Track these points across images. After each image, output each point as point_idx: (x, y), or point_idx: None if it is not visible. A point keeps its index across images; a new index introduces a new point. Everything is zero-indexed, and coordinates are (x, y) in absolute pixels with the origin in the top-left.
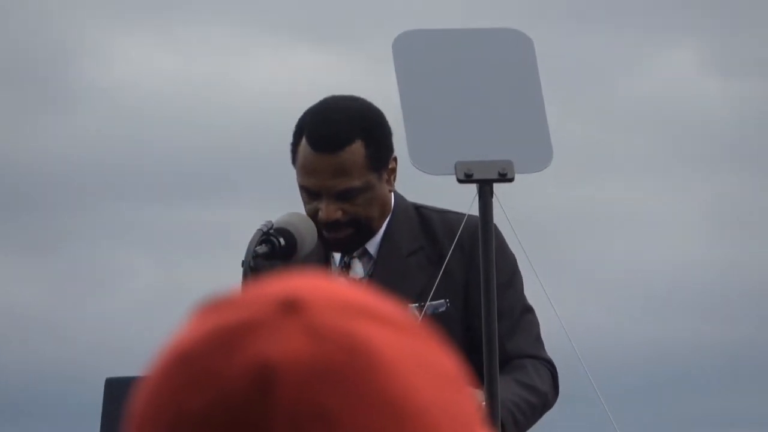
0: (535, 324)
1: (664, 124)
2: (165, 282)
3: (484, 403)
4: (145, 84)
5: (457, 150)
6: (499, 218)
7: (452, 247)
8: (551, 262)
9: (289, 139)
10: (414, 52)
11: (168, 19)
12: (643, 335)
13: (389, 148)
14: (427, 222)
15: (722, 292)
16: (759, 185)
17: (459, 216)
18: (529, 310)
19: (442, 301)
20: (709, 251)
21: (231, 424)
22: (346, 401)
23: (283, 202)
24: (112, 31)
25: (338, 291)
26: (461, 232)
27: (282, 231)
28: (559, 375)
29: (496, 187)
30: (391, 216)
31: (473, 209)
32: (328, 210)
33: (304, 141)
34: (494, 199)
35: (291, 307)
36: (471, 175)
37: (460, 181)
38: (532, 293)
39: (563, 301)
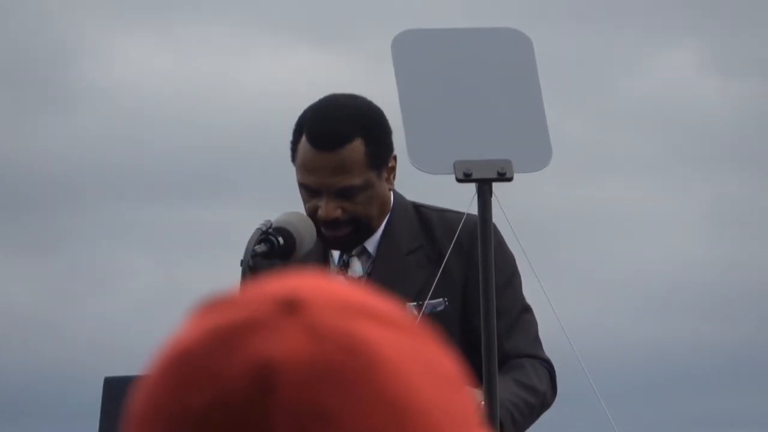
0: (534, 324)
1: (664, 124)
2: (165, 282)
3: (482, 402)
4: (145, 84)
5: (455, 149)
6: (498, 218)
7: (451, 246)
8: (550, 261)
9: (289, 138)
10: (413, 51)
11: (168, 19)
12: (643, 335)
13: (389, 147)
14: (426, 221)
15: (722, 292)
16: (759, 185)
17: (458, 215)
18: (528, 309)
19: (441, 300)
20: (709, 251)
21: (231, 424)
22: (346, 401)
23: (283, 202)
24: (112, 31)
25: (337, 290)
26: (460, 231)
27: (281, 230)
28: (558, 375)
29: (495, 186)
30: (391, 215)
31: (472, 208)
32: (328, 208)
33: (304, 138)
34: (493, 199)
35: (290, 306)
36: (470, 175)
37: (459, 180)
38: (530, 293)
39: (563, 300)
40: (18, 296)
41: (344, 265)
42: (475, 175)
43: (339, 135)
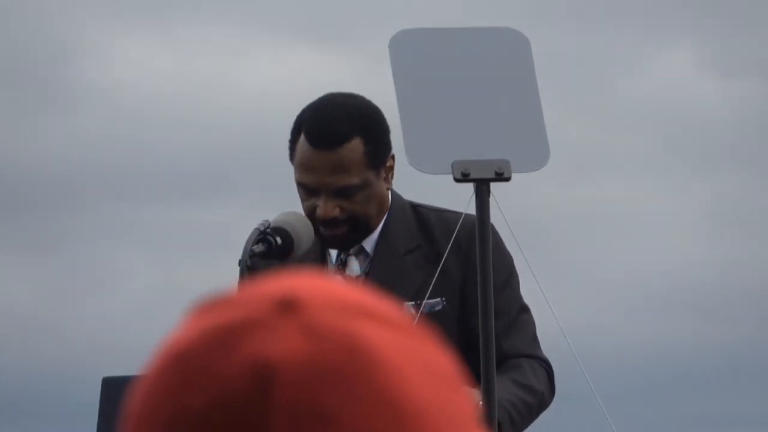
0: (532, 324)
1: (664, 124)
2: (165, 282)
3: (481, 402)
4: (145, 84)
5: (453, 149)
6: (496, 217)
7: (449, 246)
8: (549, 261)
9: (288, 138)
10: (411, 51)
11: (168, 19)
12: (642, 335)
13: (387, 146)
14: (424, 221)
15: (722, 292)
16: (759, 185)
17: (456, 215)
18: (526, 309)
19: (439, 299)
20: (708, 251)
21: (230, 424)
22: (345, 401)
23: (283, 202)
24: (112, 31)
25: (335, 290)
26: (458, 231)
27: (279, 230)
28: (556, 375)
29: (493, 186)
30: (389, 214)
31: (470, 208)
32: (326, 207)
33: (302, 137)
34: (491, 199)
35: (288, 306)
36: (468, 175)
37: (456, 180)
38: (528, 293)
39: (561, 300)
40: (18, 296)
41: (342, 265)
42: (473, 175)
43: (337, 134)
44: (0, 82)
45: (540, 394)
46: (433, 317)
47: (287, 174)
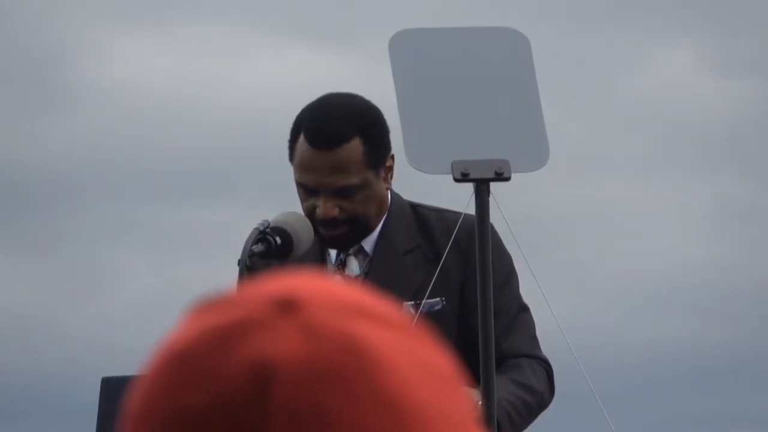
0: (531, 323)
1: (664, 124)
2: (165, 282)
3: (480, 402)
4: (145, 84)
5: (453, 149)
6: (495, 217)
7: (448, 246)
8: (549, 261)
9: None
10: (410, 50)
11: (168, 19)
12: (642, 335)
13: (387, 146)
14: (423, 220)
15: (722, 292)
16: (759, 185)
17: (456, 215)
18: (525, 309)
19: (438, 299)
20: (708, 251)
21: (229, 424)
22: (344, 400)
23: (283, 202)
24: (112, 31)
25: (334, 290)
26: (458, 230)
27: (278, 230)
28: (556, 374)
29: (493, 186)
30: (388, 214)
31: (470, 208)
32: (326, 207)
33: (301, 138)
34: (491, 198)
35: (287, 306)
36: (467, 174)
37: (456, 180)
38: (528, 293)
39: (561, 300)
40: (18, 296)
41: (341, 265)
42: (472, 175)
43: (337, 134)
44: (0, 82)
45: (539, 394)
46: (432, 317)
47: (287, 174)
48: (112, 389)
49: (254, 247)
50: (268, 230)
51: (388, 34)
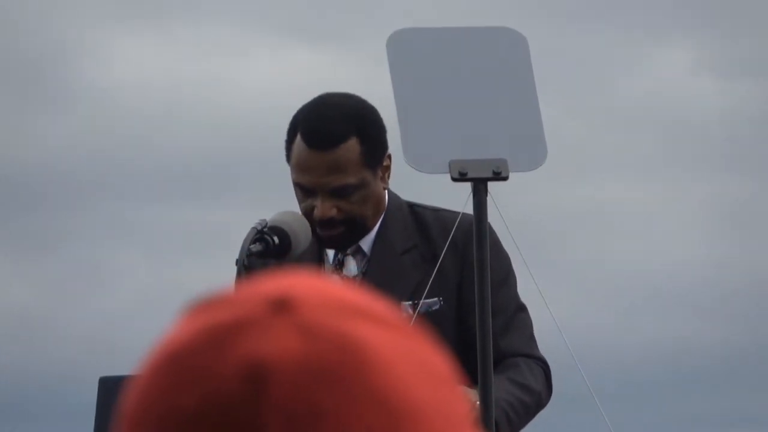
0: (529, 323)
1: (664, 124)
2: (164, 282)
3: (478, 402)
4: (145, 84)
5: (451, 148)
6: (493, 217)
7: (446, 246)
8: (547, 260)
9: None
10: (408, 50)
11: (168, 19)
12: (642, 335)
13: (384, 146)
14: (421, 220)
15: (721, 292)
16: (758, 185)
17: (453, 214)
18: (523, 308)
19: (436, 299)
20: (708, 251)
21: (224, 423)
22: (339, 400)
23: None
24: (112, 31)
25: (331, 290)
26: (455, 230)
27: (276, 229)
28: (554, 374)
29: (491, 185)
30: (386, 214)
31: (467, 208)
32: (323, 207)
33: (298, 138)
34: (489, 198)
35: (283, 305)
36: (465, 174)
37: (454, 179)
38: (526, 292)
39: (559, 300)
40: (17, 296)
41: (339, 265)
42: (470, 175)
43: (334, 134)
44: (0, 82)
45: (537, 394)
46: (430, 317)
47: (287, 174)
48: (110, 389)
49: (252, 246)
50: (265, 230)
51: (387, 34)
